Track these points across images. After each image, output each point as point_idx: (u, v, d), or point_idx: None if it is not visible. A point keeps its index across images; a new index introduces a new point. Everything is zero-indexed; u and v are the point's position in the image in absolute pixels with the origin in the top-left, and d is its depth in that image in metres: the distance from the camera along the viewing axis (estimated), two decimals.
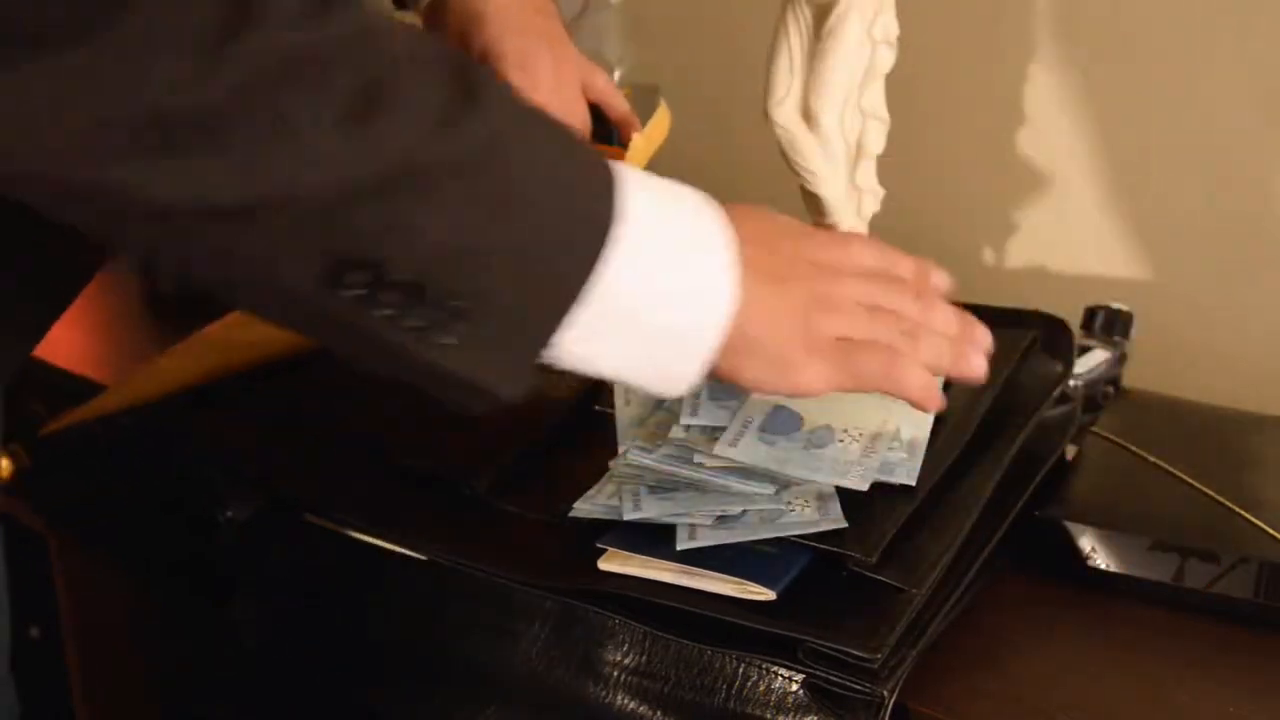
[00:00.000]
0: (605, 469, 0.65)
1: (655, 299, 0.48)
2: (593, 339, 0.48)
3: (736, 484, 0.59)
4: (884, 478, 0.60)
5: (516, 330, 0.46)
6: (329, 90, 0.41)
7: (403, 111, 0.42)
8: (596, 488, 0.62)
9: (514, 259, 0.45)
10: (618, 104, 0.80)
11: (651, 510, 0.59)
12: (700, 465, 0.60)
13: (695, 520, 0.58)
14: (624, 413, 0.68)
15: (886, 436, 0.62)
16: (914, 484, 0.60)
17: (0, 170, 0.40)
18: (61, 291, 0.56)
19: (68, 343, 0.94)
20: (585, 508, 0.61)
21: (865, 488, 0.59)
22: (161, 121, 0.39)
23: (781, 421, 0.62)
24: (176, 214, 0.41)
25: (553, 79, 0.73)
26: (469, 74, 0.45)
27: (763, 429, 0.62)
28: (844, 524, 0.57)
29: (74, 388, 0.91)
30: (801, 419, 0.63)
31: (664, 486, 0.61)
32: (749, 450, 0.60)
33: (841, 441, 0.61)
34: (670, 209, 0.49)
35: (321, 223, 0.42)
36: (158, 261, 0.45)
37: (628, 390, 0.70)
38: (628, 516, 0.59)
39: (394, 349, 0.45)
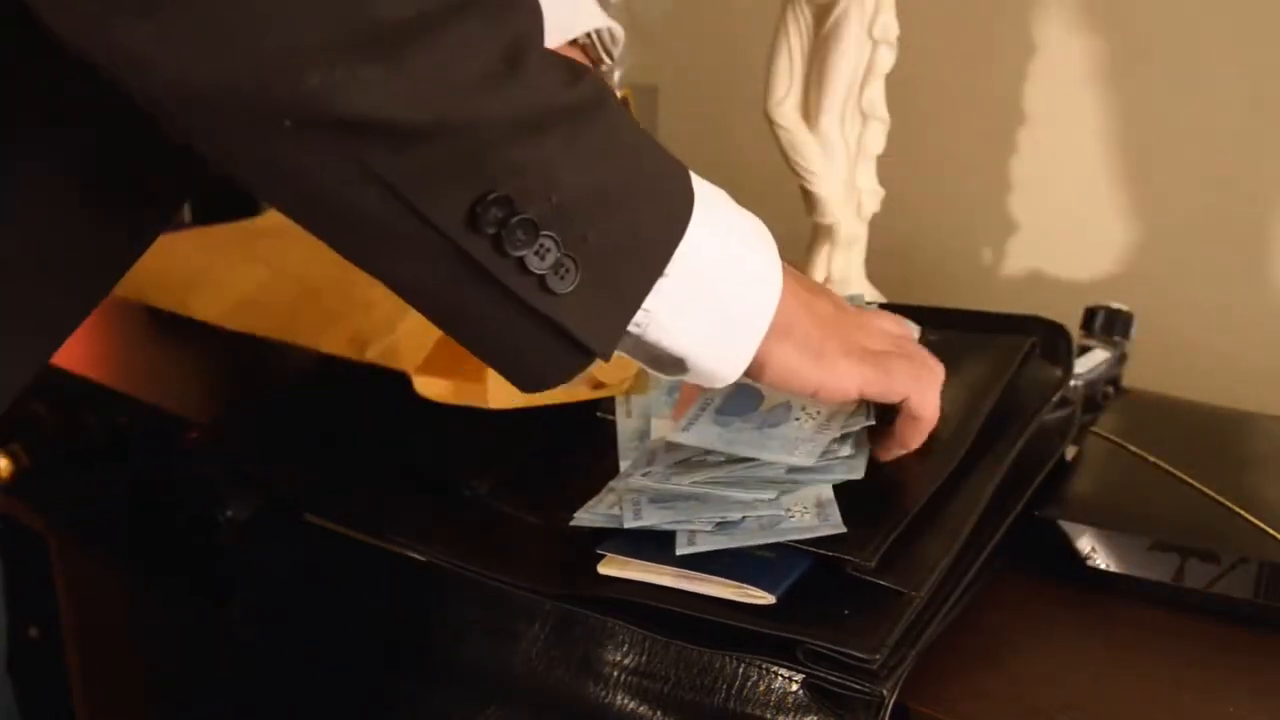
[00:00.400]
0: (606, 472, 0.65)
1: (728, 275, 0.52)
2: (674, 308, 0.51)
3: (737, 494, 0.59)
4: (823, 477, 0.60)
5: (620, 283, 0.49)
6: (503, 26, 0.44)
7: (540, 64, 0.45)
8: (597, 498, 0.63)
9: (624, 206, 0.48)
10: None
11: (652, 519, 0.59)
12: (702, 477, 0.61)
13: (695, 527, 0.58)
14: (625, 425, 0.69)
15: (842, 415, 0.62)
16: (860, 477, 0.60)
17: (200, 77, 0.41)
18: (92, 289, 0.56)
19: (68, 343, 0.94)
20: (586, 517, 0.61)
21: (811, 463, 0.59)
22: (374, 30, 0.41)
23: (739, 401, 0.63)
24: (360, 127, 0.42)
25: None
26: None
27: (719, 410, 0.62)
28: (843, 529, 0.57)
29: (74, 388, 0.91)
30: (762, 398, 0.63)
31: (664, 497, 0.61)
32: (702, 433, 0.61)
33: (798, 419, 0.61)
34: (722, 198, 0.53)
35: (477, 154, 0.44)
36: (306, 187, 0.45)
37: (629, 401, 0.70)
38: (628, 525, 0.59)
39: (513, 299, 0.46)
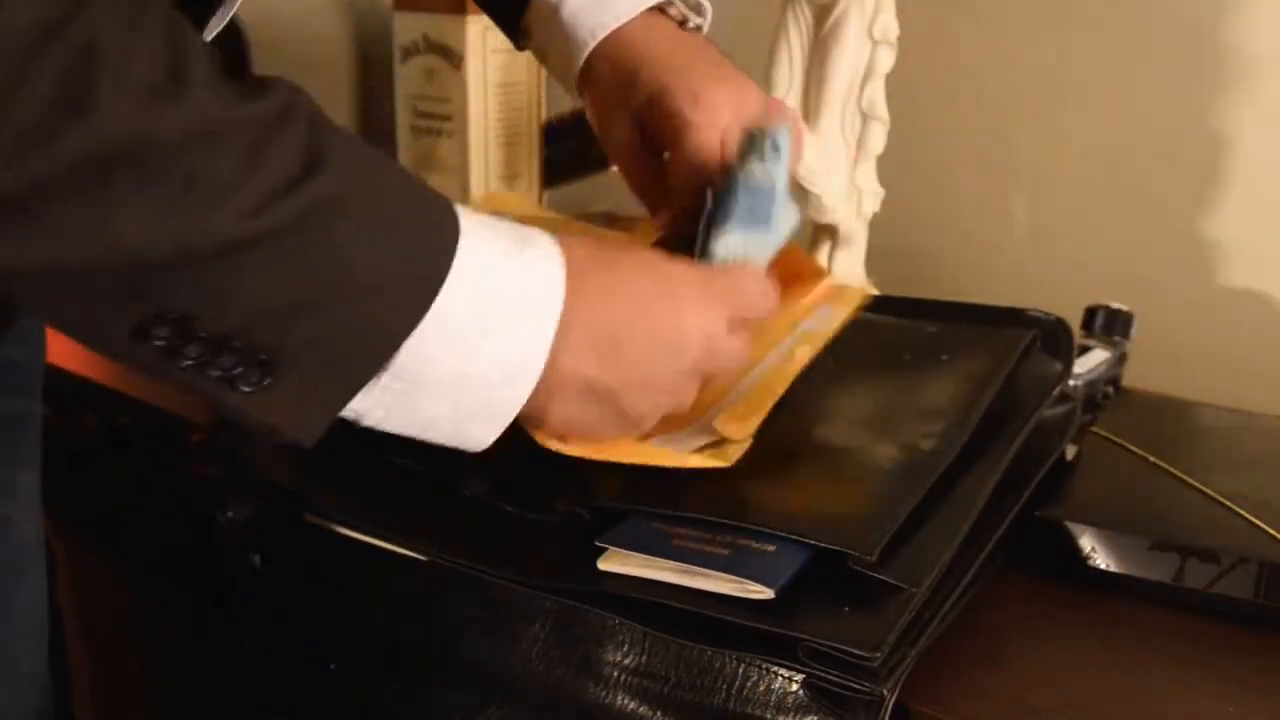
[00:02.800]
0: (605, 470, 0.65)
1: (465, 374, 0.50)
2: (397, 403, 0.50)
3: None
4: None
5: (316, 388, 0.48)
6: (154, 178, 0.42)
7: (229, 191, 0.43)
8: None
9: (324, 323, 0.47)
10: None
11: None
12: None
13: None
14: None
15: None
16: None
17: None
18: None
19: (69, 344, 0.94)
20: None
21: None
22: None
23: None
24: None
25: (734, 111, 0.67)
26: (320, 141, 0.46)
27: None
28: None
29: (74, 388, 0.91)
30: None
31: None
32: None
33: None
34: (505, 270, 0.51)
35: (133, 287, 0.43)
36: None
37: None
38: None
39: (197, 391, 0.47)
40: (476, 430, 0.53)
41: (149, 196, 0.42)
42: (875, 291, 0.88)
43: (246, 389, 0.46)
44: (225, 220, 0.43)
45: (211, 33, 0.59)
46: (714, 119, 0.66)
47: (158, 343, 0.45)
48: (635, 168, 0.71)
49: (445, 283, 0.48)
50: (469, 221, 0.50)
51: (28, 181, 0.40)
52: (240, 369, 0.46)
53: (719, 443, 0.64)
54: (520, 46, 0.77)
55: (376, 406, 0.50)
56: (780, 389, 0.67)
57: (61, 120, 0.40)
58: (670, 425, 0.64)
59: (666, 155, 0.68)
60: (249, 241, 0.44)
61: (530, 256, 0.52)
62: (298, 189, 0.44)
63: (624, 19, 0.68)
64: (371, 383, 0.49)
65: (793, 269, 0.71)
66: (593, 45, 0.69)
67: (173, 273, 0.43)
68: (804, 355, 0.69)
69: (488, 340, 0.50)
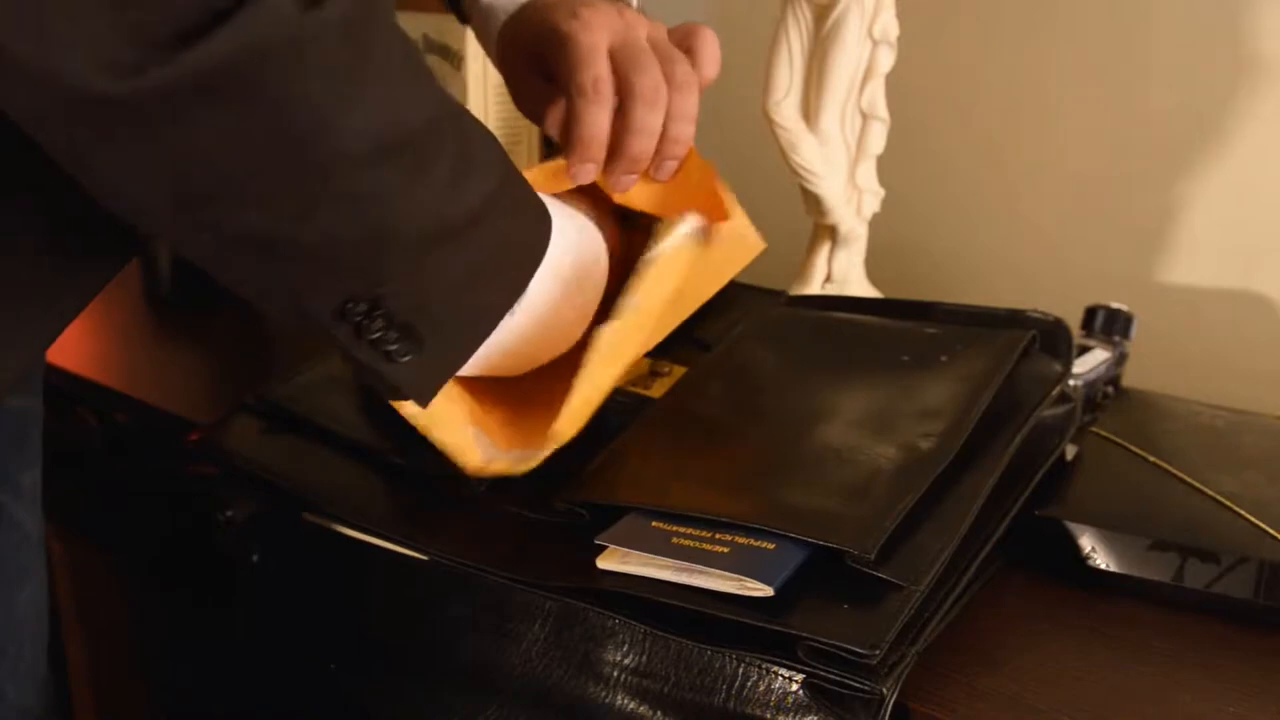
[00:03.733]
0: (605, 469, 0.65)
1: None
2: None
3: None
4: None
5: (445, 357, 0.54)
6: (423, 165, 0.47)
7: (454, 182, 0.49)
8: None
9: (475, 299, 0.54)
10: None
11: None
12: None
13: None
14: None
15: None
16: None
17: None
18: (102, 269, 0.58)
19: (68, 343, 0.94)
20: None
21: None
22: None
23: None
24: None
25: (610, 19, 0.68)
26: (469, 139, 0.51)
27: None
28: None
29: (74, 388, 0.91)
30: None
31: None
32: None
33: None
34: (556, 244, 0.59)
35: (354, 266, 0.48)
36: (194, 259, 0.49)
37: None
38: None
39: (353, 359, 0.51)
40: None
41: (419, 181, 0.47)
42: (876, 292, 0.88)
43: (401, 360, 0.51)
44: (451, 208, 0.49)
45: None
46: (592, 22, 0.66)
47: (355, 319, 0.49)
48: (550, 115, 0.72)
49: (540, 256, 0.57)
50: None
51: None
52: (400, 343, 0.51)
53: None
54: (464, 21, 0.80)
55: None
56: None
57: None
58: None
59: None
60: (452, 231, 0.50)
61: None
62: (477, 182, 0.50)
63: None
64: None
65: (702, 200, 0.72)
66: (504, 18, 0.73)
67: (404, 253, 0.48)
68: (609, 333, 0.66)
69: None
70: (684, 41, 0.69)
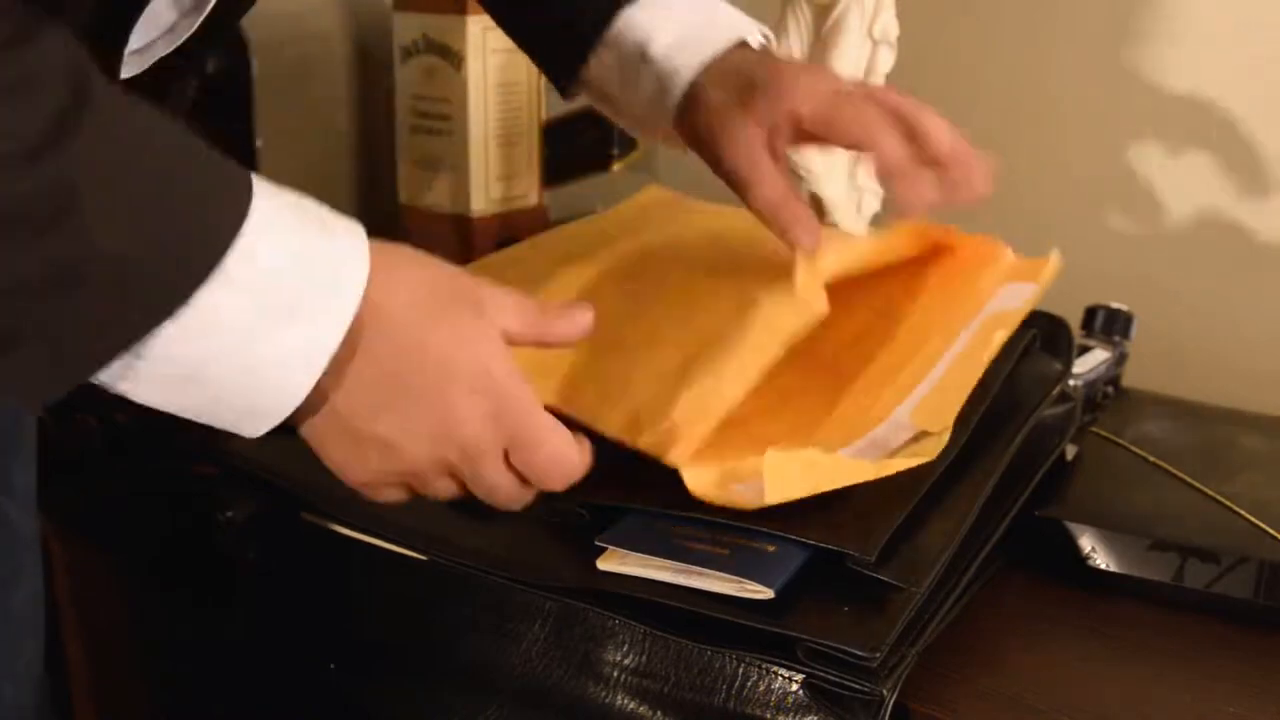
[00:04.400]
0: (604, 469, 0.65)
1: (221, 376, 0.46)
2: (141, 384, 0.46)
3: None
4: None
5: (44, 367, 0.44)
6: None
7: None
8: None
9: (55, 309, 0.42)
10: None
11: None
12: None
13: None
14: None
15: None
16: None
17: None
18: None
19: None
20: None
21: None
22: None
23: None
24: None
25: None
26: (79, 105, 0.41)
27: None
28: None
29: (74, 388, 0.91)
30: None
31: None
32: None
33: None
34: (288, 274, 0.45)
35: None
36: None
37: None
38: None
39: None
40: (241, 426, 0.49)
41: None
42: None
43: None
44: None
45: (181, 36, 0.58)
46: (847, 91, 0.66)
47: None
48: (767, 181, 0.66)
49: (206, 281, 0.43)
50: (258, 215, 0.45)
51: None
52: None
53: (918, 438, 0.62)
54: (569, 94, 0.76)
55: (121, 380, 0.46)
56: (974, 374, 0.64)
57: None
58: (850, 432, 0.62)
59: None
60: None
61: (324, 271, 0.47)
62: (37, 162, 0.39)
63: (720, 50, 0.68)
64: (109, 369, 0.45)
65: (970, 249, 0.71)
66: (691, 76, 0.68)
67: None
68: (1000, 338, 0.65)
69: (250, 349, 0.45)
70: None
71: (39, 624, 0.76)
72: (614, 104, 0.74)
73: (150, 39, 0.58)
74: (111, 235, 0.42)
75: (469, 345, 0.50)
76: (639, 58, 0.70)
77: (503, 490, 0.54)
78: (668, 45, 0.69)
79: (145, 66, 0.58)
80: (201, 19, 0.57)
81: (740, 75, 0.67)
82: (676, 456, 0.60)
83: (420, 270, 0.51)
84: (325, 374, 0.47)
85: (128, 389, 0.46)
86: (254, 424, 0.49)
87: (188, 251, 0.43)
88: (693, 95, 0.68)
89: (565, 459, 0.53)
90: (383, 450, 0.51)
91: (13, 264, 0.41)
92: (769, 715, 0.54)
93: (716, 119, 0.67)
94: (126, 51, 0.55)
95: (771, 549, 0.57)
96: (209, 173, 0.45)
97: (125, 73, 0.56)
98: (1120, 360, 0.85)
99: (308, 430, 0.51)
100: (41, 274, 0.41)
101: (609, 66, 0.72)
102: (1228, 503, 0.67)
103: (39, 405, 0.46)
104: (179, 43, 0.58)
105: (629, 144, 1.21)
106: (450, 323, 0.50)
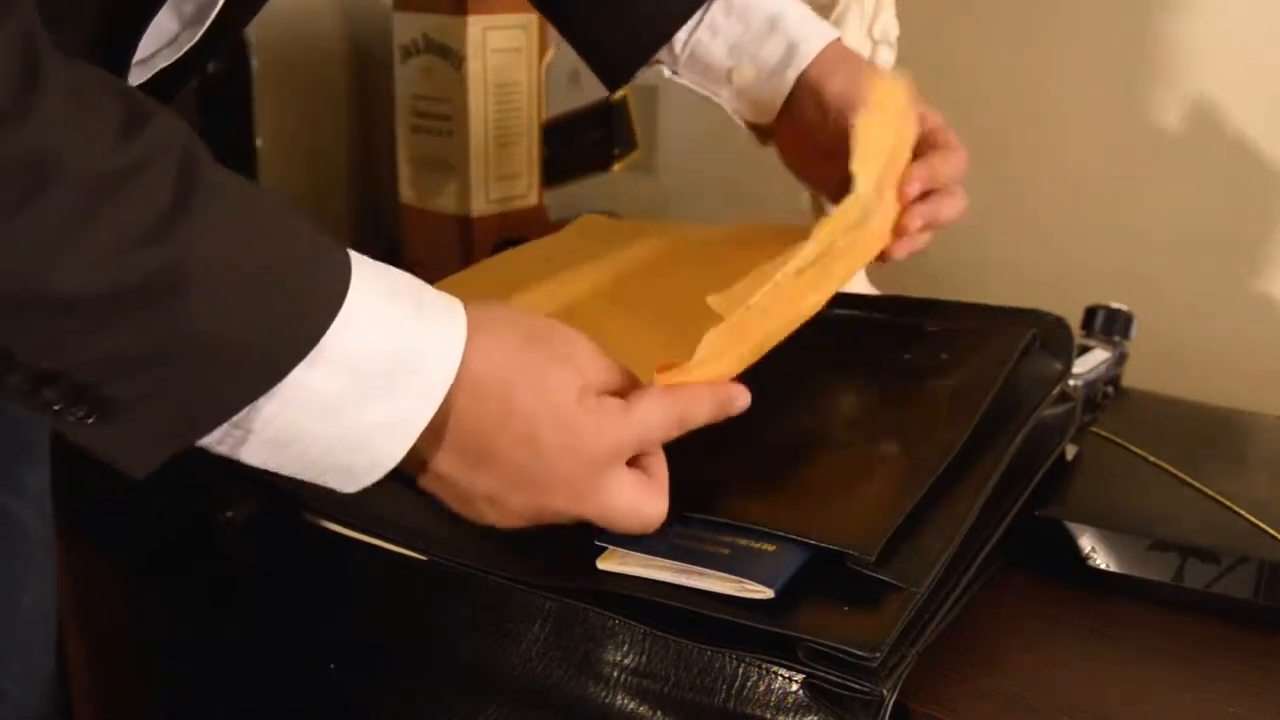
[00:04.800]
0: None
1: (317, 443, 0.47)
2: (245, 449, 0.48)
3: None
4: None
5: (146, 434, 0.45)
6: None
7: (69, 239, 0.40)
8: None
9: (159, 382, 0.43)
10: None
11: None
12: None
13: None
14: None
15: None
16: None
17: None
18: None
19: None
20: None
21: None
22: None
23: None
24: None
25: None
26: (189, 188, 0.42)
27: None
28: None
29: None
30: None
31: None
32: None
33: None
34: (387, 358, 0.47)
35: None
36: None
37: None
38: None
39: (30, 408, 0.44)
40: (339, 484, 0.50)
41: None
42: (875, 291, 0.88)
43: (73, 419, 0.44)
44: (59, 273, 0.40)
45: (183, 48, 0.58)
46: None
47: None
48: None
49: (307, 357, 0.45)
50: (355, 296, 0.46)
51: None
52: (64, 404, 0.43)
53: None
54: (614, 88, 0.83)
55: (220, 444, 0.47)
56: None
57: None
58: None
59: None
60: (83, 300, 0.40)
61: (420, 356, 0.48)
62: (150, 246, 0.41)
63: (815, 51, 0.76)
64: (211, 436, 0.46)
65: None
66: (793, 76, 0.76)
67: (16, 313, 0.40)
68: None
69: (343, 421, 0.47)
70: (936, 137, 0.75)
71: (49, 626, 0.76)
72: (712, 73, 0.79)
73: (153, 50, 0.58)
74: (214, 320, 0.43)
75: (550, 397, 0.51)
76: (767, 27, 0.77)
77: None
78: (798, 19, 0.76)
79: (147, 77, 0.58)
80: (203, 30, 0.57)
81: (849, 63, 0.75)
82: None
83: (511, 329, 0.52)
84: (419, 441, 0.49)
85: (228, 452, 0.48)
86: (353, 483, 0.50)
87: (287, 334, 0.45)
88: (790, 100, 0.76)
89: (635, 514, 0.55)
90: (489, 503, 0.54)
91: (121, 339, 0.42)
92: (769, 715, 0.54)
93: (800, 130, 0.75)
94: (132, 61, 0.55)
95: (771, 549, 0.57)
96: (310, 253, 0.46)
97: (129, 82, 0.56)
98: (1120, 360, 0.85)
99: (422, 485, 0.54)
100: (146, 348, 0.42)
101: (720, 35, 0.78)
102: (1228, 503, 0.67)
103: (141, 472, 0.47)
104: (181, 54, 0.58)
105: (629, 144, 1.21)
106: (534, 377, 0.51)
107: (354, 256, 0.47)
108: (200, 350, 0.43)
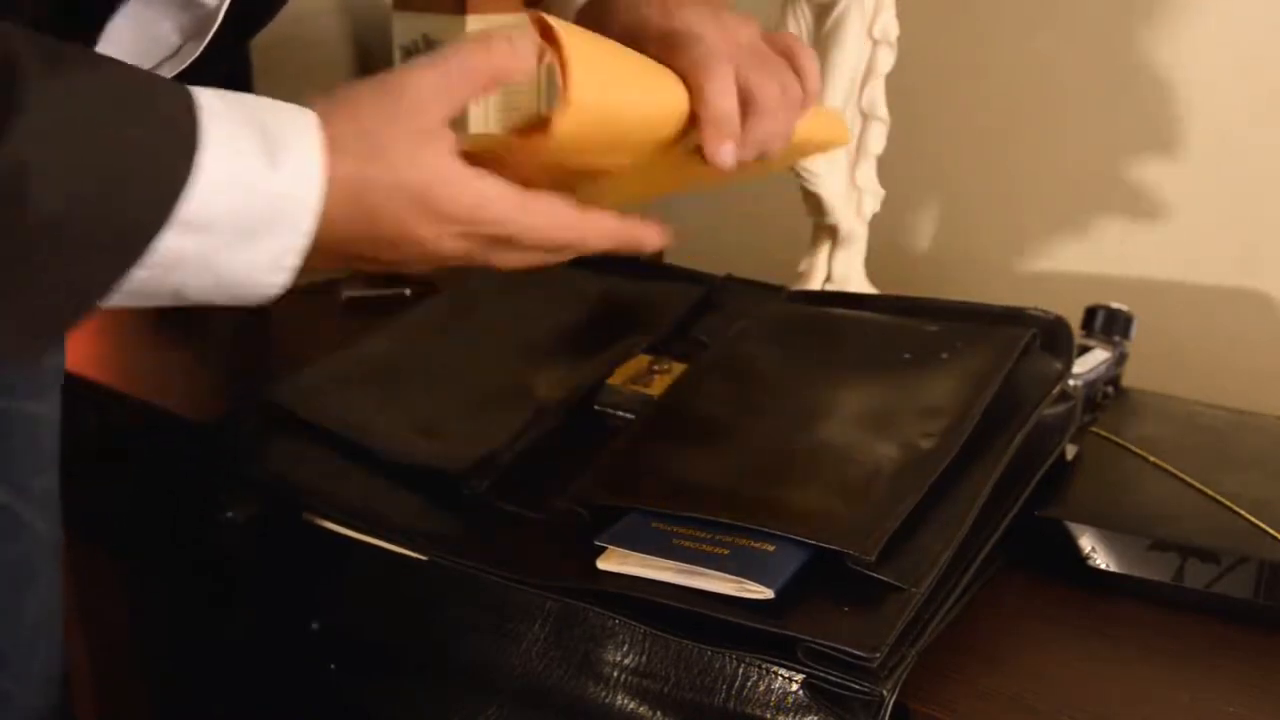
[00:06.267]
0: (605, 469, 0.65)
1: (199, 291, 0.49)
2: (127, 303, 0.49)
3: None
4: None
5: (18, 324, 0.46)
6: None
7: None
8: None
9: (23, 277, 0.45)
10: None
11: None
12: None
13: None
14: None
15: None
16: None
17: None
18: None
19: (68, 342, 0.94)
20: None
21: None
22: None
23: None
24: None
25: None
26: (16, 88, 0.43)
27: None
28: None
29: (74, 388, 0.91)
30: None
31: None
32: None
33: None
34: (246, 211, 0.48)
35: None
36: None
37: None
38: None
39: None
40: (240, 303, 0.51)
41: None
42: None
43: None
44: None
45: (186, 60, 0.58)
46: (709, 31, 0.62)
47: None
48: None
49: (164, 228, 0.46)
50: (208, 159, 0.47)
51: None
52: None
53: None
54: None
55: (105, 303, 0.48)
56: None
57: None
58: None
59: None
60: None
61: (282, 182, 0.49)
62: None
63: None
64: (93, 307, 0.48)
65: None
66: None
67: None
68: None
69: (214, 271, 0.49)
70: (788, 57, 0.65)
71: (55, 628, 0.76)
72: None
73: (157, 60, 0.58)
74: (62, 201, 0.44)
75: (413, 186, 0.52)
76: None
77: (533, 261, 0.56)
78: None
79: None
80: (205, 44, 0.58)
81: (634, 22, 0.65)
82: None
83: (361, 136, 0.52)
84: (302, 261, 0.50)
85: (114, 305, 0.49)
86: (254, 301, 0.51)
87: (137, 213, 0.46)
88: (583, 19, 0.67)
89: (554, 227, 0.55)
90: (394, 267, 0.56)
91: None
92: (769, 715, 0.54)
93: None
94: None
95: (771, 549, 0.57)
96: (152, 129, 0.46)
97: None
98: (1120, 360, 0.85)
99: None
100: (4, 245, 0.44)
101: None
102: (1228, 503, 0.67)
103: (30, 357, 0.49)
104: (184, 66, 0.58)
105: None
106: (391, 174, 0.52)
107: (202, 110, 0.47)
108: (54, 243, 0.44)
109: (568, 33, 0.55)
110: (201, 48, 0.58)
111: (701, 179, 0.66)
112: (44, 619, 0.75)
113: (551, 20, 0.55)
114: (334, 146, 0.50)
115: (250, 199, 0.48)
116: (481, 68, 0.54)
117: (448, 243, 0.54)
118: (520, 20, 0.58)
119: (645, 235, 0.59)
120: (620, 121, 0.58)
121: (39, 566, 0.74)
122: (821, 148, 0.76)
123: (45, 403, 0.74)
